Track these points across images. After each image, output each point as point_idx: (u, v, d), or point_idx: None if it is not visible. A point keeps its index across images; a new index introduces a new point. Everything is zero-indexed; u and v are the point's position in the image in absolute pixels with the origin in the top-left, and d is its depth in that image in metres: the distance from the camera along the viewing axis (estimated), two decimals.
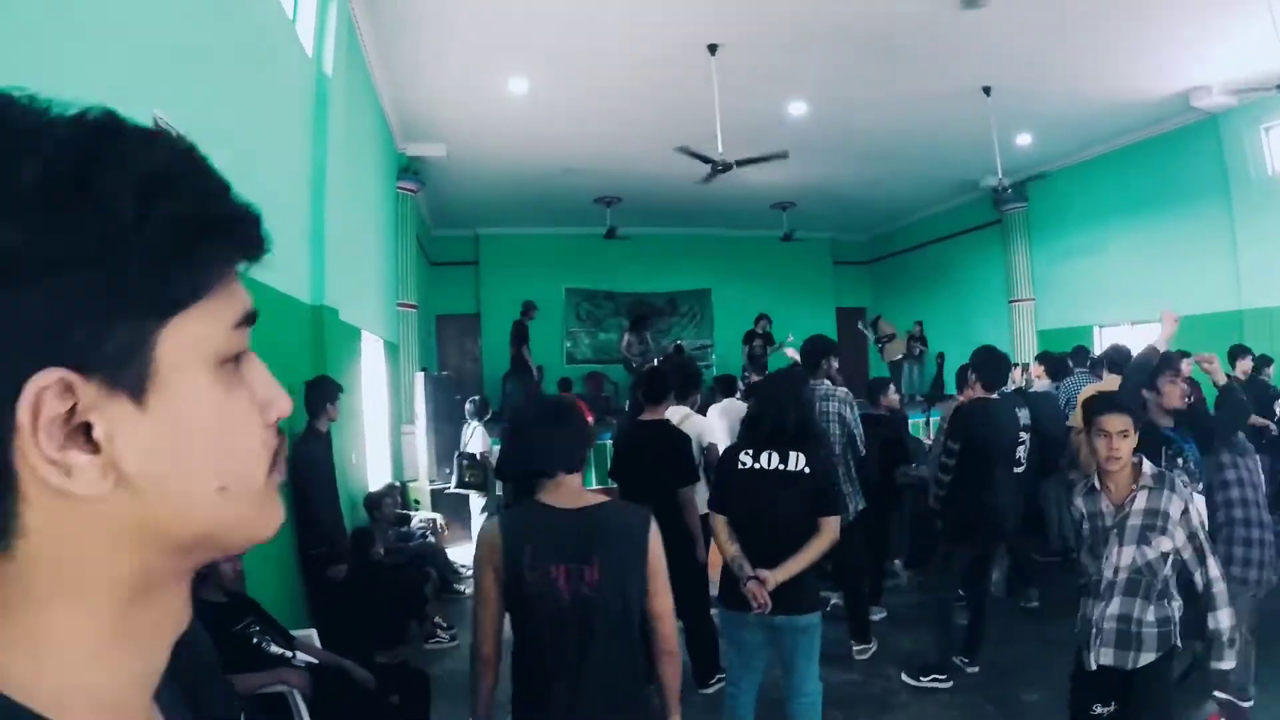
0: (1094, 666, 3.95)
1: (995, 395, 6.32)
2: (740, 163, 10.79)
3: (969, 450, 6.05)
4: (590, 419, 11.36)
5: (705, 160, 10.75)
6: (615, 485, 6.19)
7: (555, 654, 2.98)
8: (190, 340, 0.64)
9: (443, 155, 12.94)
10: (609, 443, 9.89)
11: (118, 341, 0.60)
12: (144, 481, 0.62)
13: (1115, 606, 3.90)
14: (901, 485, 8.12)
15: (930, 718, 5.66)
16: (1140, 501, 3.88)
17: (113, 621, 0.65)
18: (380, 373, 10.67)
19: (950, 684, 5.95)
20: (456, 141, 12.75)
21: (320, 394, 6.08)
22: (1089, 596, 4.04)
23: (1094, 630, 3.94)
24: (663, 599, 3.13)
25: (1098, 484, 4.04)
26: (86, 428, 0.59)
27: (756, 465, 4.46)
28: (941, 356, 16.89)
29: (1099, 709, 4.04)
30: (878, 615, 7.48)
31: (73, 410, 0.58)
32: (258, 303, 0.69)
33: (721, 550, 4.47)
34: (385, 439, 10.75)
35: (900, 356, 17.00)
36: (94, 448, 0.60)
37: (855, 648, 6.73)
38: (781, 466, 4.42)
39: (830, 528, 4.41)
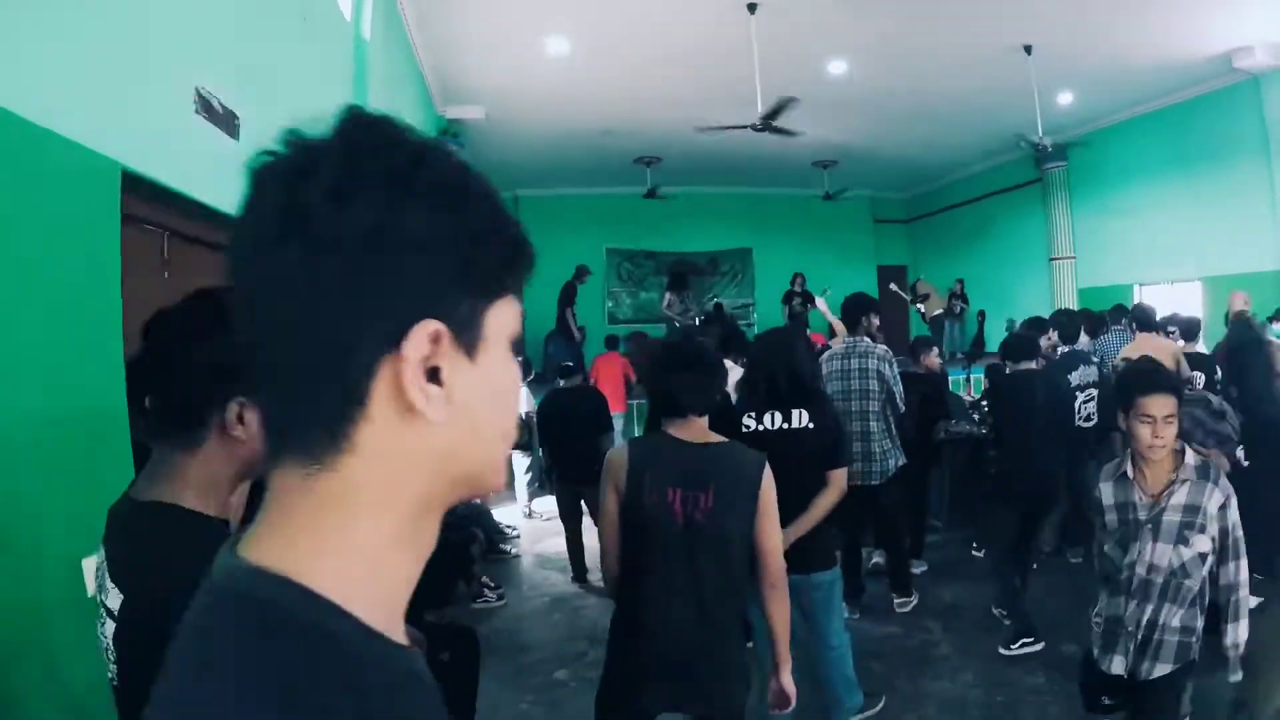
0: (1112, 670, 3.64)
1: (1034, 365, 6.44)
2: (769, 121, 10.76)
3: (1008, 420, 6.18)
4: (634, 378, 11.47)
5: (730, 128, 10.75)
6: None
7: (665, 578, 3.13)
8: (501, 321, 0.85)
9: (481, 117, 12.93)
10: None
11: (466, 311, 0.80)
12: (463, 418, 0.81)
13: (1142, 609, 3.53)
14: (940, 442, 8.12)
15: (970, 669, 5.74)
16: (1180, 496, 3.46)
17: (399, 533, 0.81)
18: None
19: (1041, 646, 5.84)
20: (495, 103, 12.72)
21: None
22: (1117, 593, 3.65)
23: (1123, 631, 3.60)
24: (773, 538, 3.28)
25: (1130, 471, 3.60)
26: (433, 371, 0.78)
27: (760, 427, 4.54)
28: (982, 314, 16.82)
29: (1107, 700, 3.89)
30: (918, 569, 7.54)
31: (427, 356, 0.77)
32: None
33: None
34: None
35: (940, 312, 16.91)
36: (439, 385, 0.78)
37: (896, 600, 6.82)
38: (785, 425, 4.51)
39: (838, 480, 4.52)
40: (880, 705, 5.17)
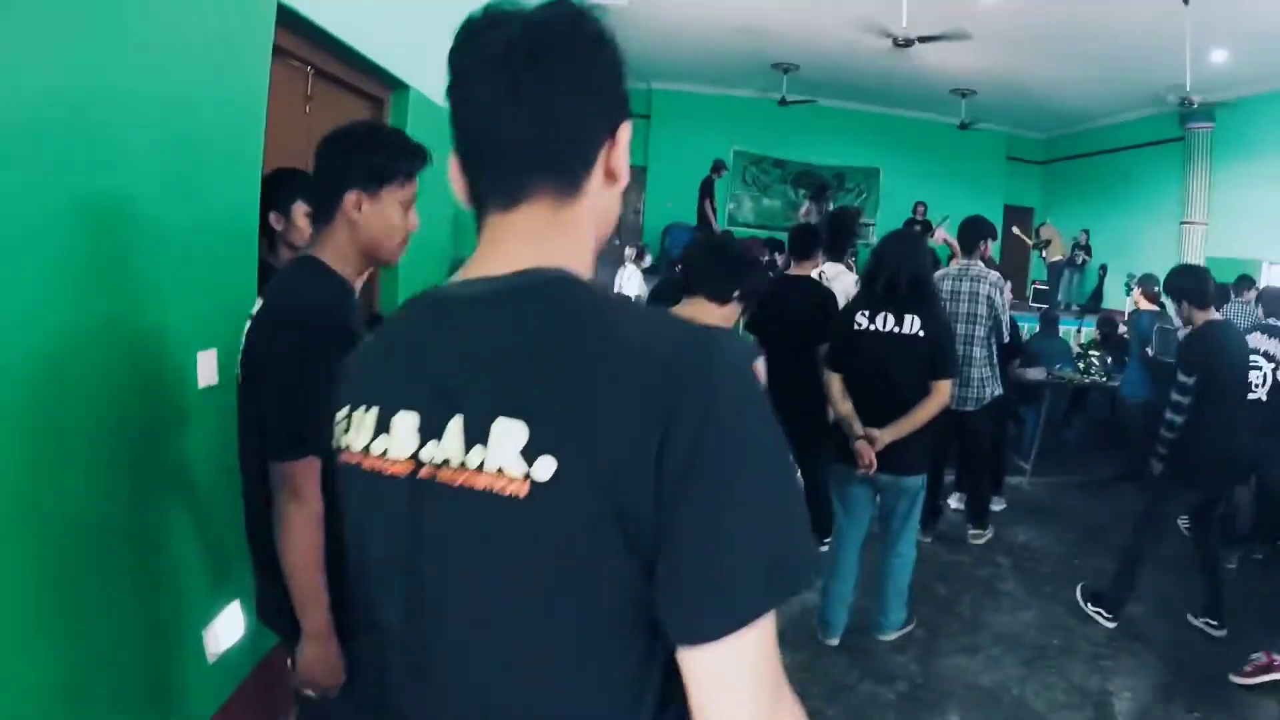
0: None
1: (1219, 316, 5.59)
2: (922, 39, 10.61)
3: (1206, 383, 5.25)
4: None
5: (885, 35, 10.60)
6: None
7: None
8: (627, 137, 1.25)
9: (624, 3, 12.86)
10: None
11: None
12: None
13: None
14: (1039, 384, 8.14)
15: (1033, 609, 5.83)
16: None
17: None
18: None
19: (1114, 624, 5.55)
20: None
21: None
22: None
23: None
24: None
25: None
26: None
27: (872, 327, 4.58)
28: (1104, 269, 16.48)
29: None
30: (998, 505, 7.57)
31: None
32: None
33: (835, 407, 4.66)
34: None
35: (1060, 258, 16.61)
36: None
37: (970, 531, 6.90)
38: (896, 329, 4.54)
39: (942, 391, 4.56)
40: (914, 625, 5.29)
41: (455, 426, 1.04)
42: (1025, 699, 4.72)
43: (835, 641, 5.03)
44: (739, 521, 0.96)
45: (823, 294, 5.98)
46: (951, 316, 6.17)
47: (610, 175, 1.19)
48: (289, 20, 3.75)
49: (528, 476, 0.97)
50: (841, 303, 5.87)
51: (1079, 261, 16.83)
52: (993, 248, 6.55)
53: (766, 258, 11.59)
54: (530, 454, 0.97)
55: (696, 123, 18.02)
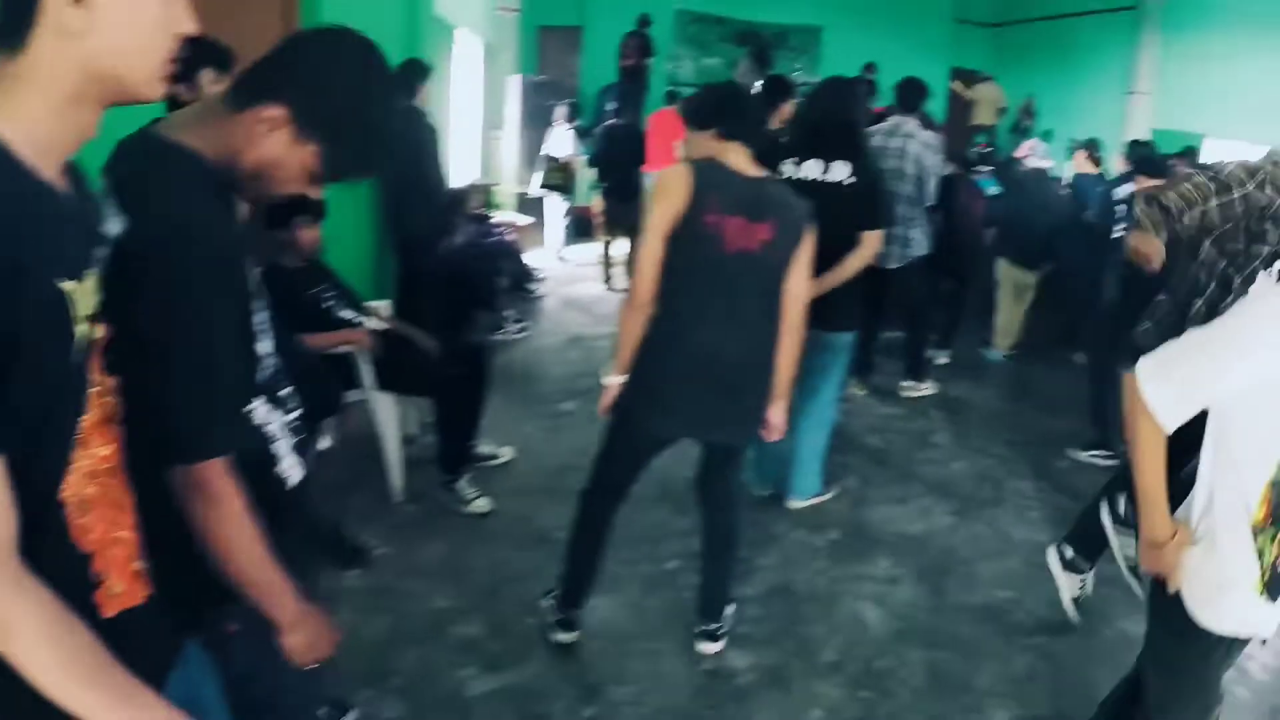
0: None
1: None
2: None
3: None
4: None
5: None
6: None
7: (708, 299, 3.13)
8: None
9: None
10: None
11: None
12: (102, 29, 1.12)
13: None
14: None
15: (964, 459, 5.90)
16: None
17: (54, 111, 1.14)
18: (475, 74, 10.56)
19: (1115, 460, 5.62)
20: None
21: (410, 75, 6.03)
22: None
23: None
24: (802, 284, 3.29)
25: None
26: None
27: (798, 175, 4.38)
28: (1048, 134, 16.40)
29: None
30: (942, 359, 7.69)
31: None
32: None
33: None
34: (475, 142, 10.73)
35: (989, 123, 16.59)
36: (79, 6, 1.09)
37: (903, 384, 6.91)
38: (823, 177, 4.35)
39: (871, 242, 4.40)
40: (832, 494, 5.12)
41: None
42: (954, 546, 4.75)
43: (765, 493, 4.96)
44: None
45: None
46: None
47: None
48: None
49: None
50: None
51: (1023, 126, 16.78)
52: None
53: None
54: None
55: None
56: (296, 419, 1.91)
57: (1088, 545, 4.01)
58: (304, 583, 1.86)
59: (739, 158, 3.17)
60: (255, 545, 1.68)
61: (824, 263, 4.26)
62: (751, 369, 3.25)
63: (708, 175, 3.09)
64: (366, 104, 1.69)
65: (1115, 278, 5.96)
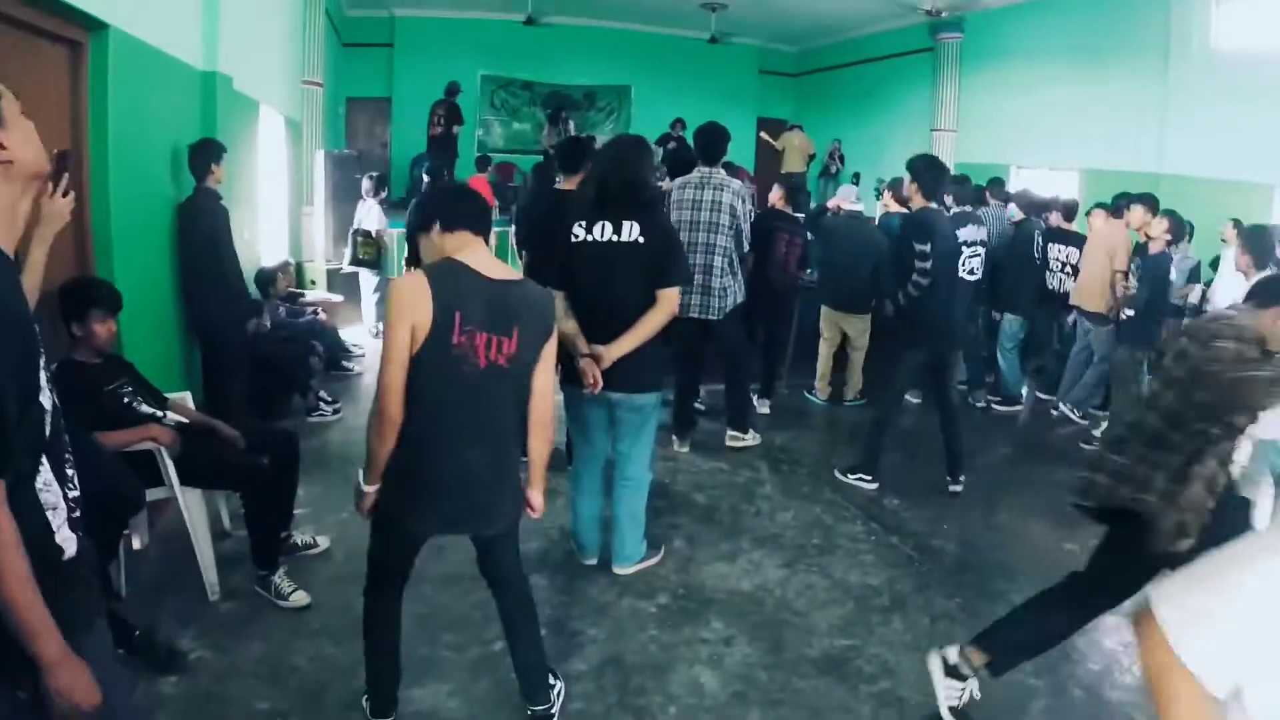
0: None
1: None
2: None
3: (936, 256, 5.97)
4: (494, 204, 11.40)
5: None
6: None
7: (458, 420, 3.00)
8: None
9: None
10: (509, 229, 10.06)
11: None
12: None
13: None
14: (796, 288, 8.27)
15: (791, 510, 5.90)
16: None
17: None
18: (281, 151, 10.33)
19: (876, 485, 6.26)
20: None
21: (204, 155, 5.89)
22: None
23: None
24: (549, 376, 3.21)
25: None
26: None
27: (589, 237, 4.33)
28: (856, 177, 16.92)
29: None
30: (763, 408, 7.81)
31: None
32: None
33: (559, 326, 4.34)
34: (284, 219, 10.46)
35: (799, 170, 17.01)
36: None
37: (730, 434, 6.92)
38: (615, 238, 4.29)
39: (668, 300, 4.32)
40: (660, 556, 5.06)
41: None
42: (787, 599, 4.73)
43: (593, 561, 4.90)
44: None
45: None
46: (693, 224, 6.17)
47: None
48: None
49: None
50: None
51: (832, 171, 17.32)
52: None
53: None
54: None
55: (441, 48, 17.60)
56: (76, 497, 1.99)
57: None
58: (75, 644, 1.91)
59: (479, 254, 3.04)
60: (23, 577, 1.78)
61: (623, 324, 4.24)
62: (499, 470, 3.16)
63: (449, 284, 2.94)
64: None
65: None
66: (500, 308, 2.98)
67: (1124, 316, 7.10)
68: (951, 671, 3.73)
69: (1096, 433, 7.58)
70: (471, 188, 3.67)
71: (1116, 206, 8.03)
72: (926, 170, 5.98)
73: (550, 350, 3.17)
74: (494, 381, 3.00)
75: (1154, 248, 6.91)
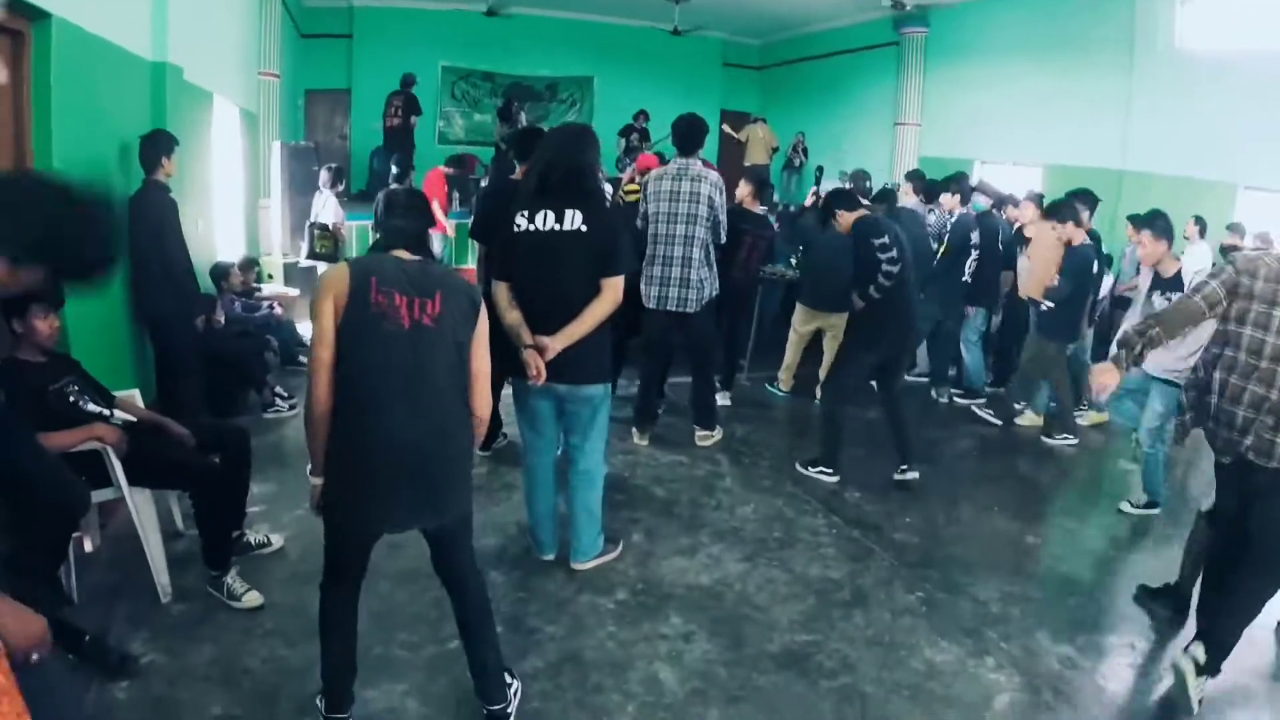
0: None
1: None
2: None
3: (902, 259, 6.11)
4: (446, 201, 11.40)
5: None
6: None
7: (388, 385, 2.99)
8: None
9: None
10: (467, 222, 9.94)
11: None
12: None
13: None
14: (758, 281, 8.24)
15: (751, 503, 5.87)
16: None
17: None
18: (237, 143, 10.19)
19: (837, 478, 6.28)
20: None
21: (154, 147, 5.76)
22: None
23: None
24: (484, 362, 3.21)
25: None
26: None
27: (531, 227, 4.25)
28: (820, 170, 16.84)
29: None
30: (723, 401, 7.72)
31: None
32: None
33: (502, 318, 4.25)
34: (239, 212, 10.32)
35: (761, 162, 17.05)
36: None
37: (698, 433, 6.86)
38: (557, 227, 4.22)
39: (612, 289, 4.27)
40: (618, 551, 5.02)
41: None
42: (747, 594, 4.69)
43: (551, 557, 4.85)
44: None
45: None
46: (671, 217, 6.16)
47: None
48: None
49: None
50: None
51: (796, 164, 17.34)
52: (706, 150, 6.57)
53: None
54: None
55: (401, 39, 17.44)
56: None
57: None
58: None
59: (400, 252, 3.16)
60: None
61: (568, 314, 4.19)
62: (444, 451, 3.14)
63: (365, 264, 3.07)
64: None
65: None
66: (419, 279, 3.05)
67: (1044, 308, 7.25)
68: (1202, 670, 3.81)
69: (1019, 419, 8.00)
70: (421, 194, 3.63)
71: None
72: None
73: (482, 334, 3.18)
74: (421, 343, 3.02)
75: (1075, 240, 7.09)
